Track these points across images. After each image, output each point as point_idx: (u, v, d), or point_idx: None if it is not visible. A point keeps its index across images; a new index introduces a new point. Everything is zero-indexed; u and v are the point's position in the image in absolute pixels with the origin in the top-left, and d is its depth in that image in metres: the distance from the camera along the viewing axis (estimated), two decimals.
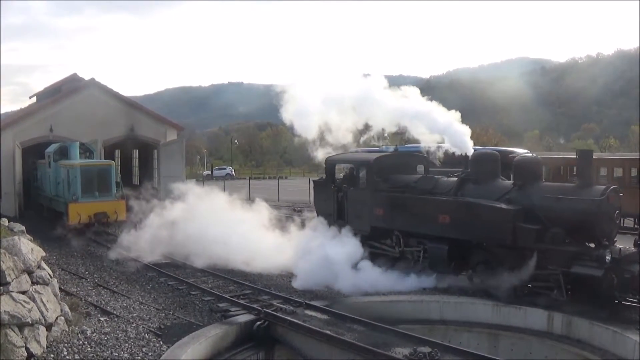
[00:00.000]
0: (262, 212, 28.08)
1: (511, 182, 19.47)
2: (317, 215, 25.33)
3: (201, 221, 26.50)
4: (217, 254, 24.74)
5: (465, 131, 21.14)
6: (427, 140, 21.93)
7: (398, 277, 20.61)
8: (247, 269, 23.91)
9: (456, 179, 20.59)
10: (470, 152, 20.79)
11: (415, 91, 22.10)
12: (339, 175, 25.50)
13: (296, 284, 21.29)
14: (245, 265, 24.18)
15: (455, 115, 21.39)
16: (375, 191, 22.37)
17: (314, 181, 26.10)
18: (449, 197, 19.96)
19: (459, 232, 19.36)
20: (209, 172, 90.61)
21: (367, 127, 22.98)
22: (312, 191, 29.67)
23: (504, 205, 18.26)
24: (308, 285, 20.88)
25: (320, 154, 24.48)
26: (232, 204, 28.43)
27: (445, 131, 21.16)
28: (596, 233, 17.13)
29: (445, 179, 21.08)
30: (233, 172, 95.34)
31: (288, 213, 36.83)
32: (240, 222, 26.40)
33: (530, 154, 24.80)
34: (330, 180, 24.68)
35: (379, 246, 22.68)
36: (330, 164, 24.80)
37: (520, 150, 36.31)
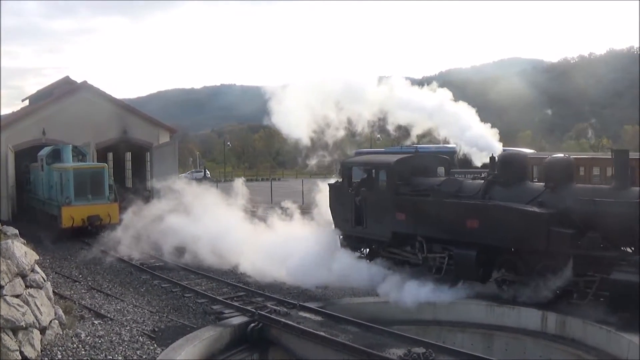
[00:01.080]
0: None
1: (541, 184, 18.62)
2: (333, 219, 23.80)
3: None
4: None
5: (489, 132, 20.64)
6: (455, 141, 21.42)
7: (436, 288, 19.19)
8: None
9: (482, 181, 19.61)
10: (497, 153, 19.91)
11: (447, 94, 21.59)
12: (355, 178, 23.97)
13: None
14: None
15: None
16: (396, 195, 21.08)
17: (329, 185, 24.46)
18: (478, 201, 18.84)
19: (489, 238, 18.23)
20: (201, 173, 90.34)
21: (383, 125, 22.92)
22: (304, 193, 29.65)
23: (537, 209, 17.29)
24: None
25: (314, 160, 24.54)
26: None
27: (468, 132, 20.59)
28: (635, 237, 16.06)
29: (470, 181, 20.11)
30: (209, 174, 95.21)
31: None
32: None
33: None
34: (347, 184, 23.28)
35: (399, 253, 21.51)
36: (347, 167, 23.75)
37: (527, 150, 36.26)
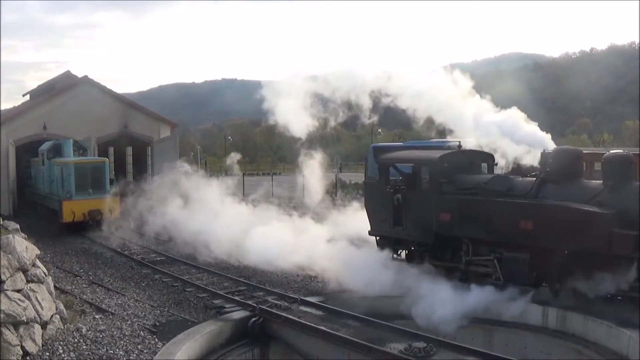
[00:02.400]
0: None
1: (598, 182, 17.39)
2: (369, 219, 22.27)
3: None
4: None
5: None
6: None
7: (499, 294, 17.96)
8: None
9: (533, 179, 18.19)
10: (549, 148, 18.66)
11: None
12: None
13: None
14: None
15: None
16: (440, 194, 19.54)
17: (365, 183, 23.54)
18: (532, 200, 17.44)
19: (544, 240, 16.92)
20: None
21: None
22: (306, 187, 29.63)
23: (598, 210, 16.05)
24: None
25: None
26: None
27: (519, 131, 19.34)
28: None
29: (520, 179, 18.64)
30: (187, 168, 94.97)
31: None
32: None
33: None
34: (384, 182, 21.64)
35: (440, 256, 20.10)
36: (385, 163, 22.08)
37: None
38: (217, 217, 27.79)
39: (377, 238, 22.21)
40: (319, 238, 24.37)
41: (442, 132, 25.57)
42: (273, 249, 23.83)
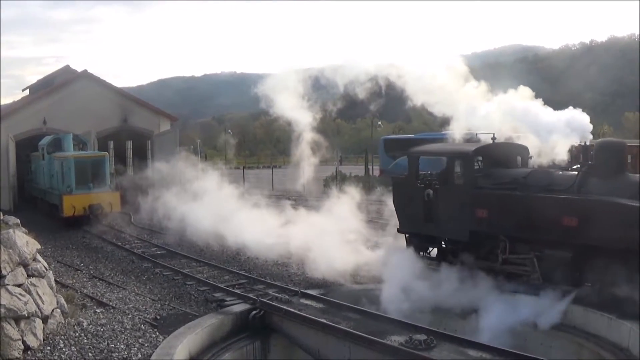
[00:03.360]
0: None
1: None
2: (398, 216, 21.47)
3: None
4: None
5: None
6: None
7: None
8: None
9: (574, 173, 17.24)
10: (590, 139, 17.83)
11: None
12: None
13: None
14: None
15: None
16: (475, 189, 18.64)
17: (393, 178, 22.33)
18: (577, 196, 16.50)
19: (589, 237, 15.96)
20: None
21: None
22: (306, 179, 29.63)
23: None
24: None
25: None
26: None
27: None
28: None
29: (561, 172, 17.64)
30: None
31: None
32: None
33: None
34: (414, 177, 20.65)
35: (475, 254, 19.04)
36: (414, 157, 20.91)
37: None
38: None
39: (407, 236, 21.47)
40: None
41: (441, 123, 25.39)
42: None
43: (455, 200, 19.16)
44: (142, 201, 33.01)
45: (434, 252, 21.03)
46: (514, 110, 19.15)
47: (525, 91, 19.70)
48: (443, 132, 26.95)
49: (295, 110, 24.08)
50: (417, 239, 21.05)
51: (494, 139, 19.89)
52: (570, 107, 18.61)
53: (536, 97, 19.48)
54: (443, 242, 20.48)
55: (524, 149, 19.63)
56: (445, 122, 22.59)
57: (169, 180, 32.97)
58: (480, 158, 19.36)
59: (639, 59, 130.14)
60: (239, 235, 25.22)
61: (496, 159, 19.35)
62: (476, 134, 23.94)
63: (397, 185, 21.93)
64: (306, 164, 28.73)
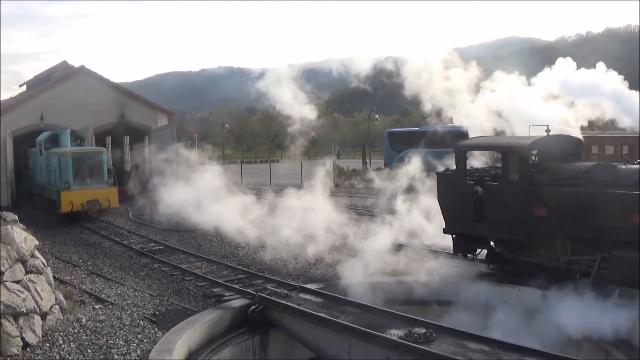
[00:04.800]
0: None
1: None
2: (444, 215, 20.16)
3: None
4: None
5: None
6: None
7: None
8: None
9: (638, 167, 16.22)
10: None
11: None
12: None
13: None
14: None
15: None
16: (532, 185, 17.25)
17: (438, 174, 20.56)
18: None
19: None
20: None
21: None
22: (303, 174, 29.66)
23: None
24: None
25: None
26: None
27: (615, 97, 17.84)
28: None
29: (624, 166, 16.53)
30: None
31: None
32: None
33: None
34: (462, 172, 19.37)
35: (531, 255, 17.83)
36: (462, 151, 19.59)
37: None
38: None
39: (454, 237, 20.09)
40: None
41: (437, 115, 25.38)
42: None
43: (510, 197, 17.85)
44: (140, 196, 33.13)
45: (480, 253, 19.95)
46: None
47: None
48: (448, 125, 26.64)
49: (294, 104, 24.10)
50: (465, 240, 19.67)
51: (548, 131, 18.35)
52: None
53: None
54: (494, 243, 19.13)
55: (578, 142, 18.85)
56: (439, 114, 22.66)
57: (167, 173, 32.97)
58: (534, 152, 17.90)
59: (638, 49, 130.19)
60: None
61: (552, 153, 17.87)
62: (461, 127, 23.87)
63: (442, 181, 20.26)
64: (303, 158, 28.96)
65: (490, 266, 19.41)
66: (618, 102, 18.32)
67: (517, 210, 17.52)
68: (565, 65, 20.07)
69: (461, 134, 25.23)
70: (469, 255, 19.77)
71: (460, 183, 19.27)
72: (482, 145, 20.66)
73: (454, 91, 21.70)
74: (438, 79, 21.77)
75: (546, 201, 16.81)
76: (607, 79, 18.77)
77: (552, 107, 19.27)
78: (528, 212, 17.16)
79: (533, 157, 17.85)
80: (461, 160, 19.46)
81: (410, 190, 24.80)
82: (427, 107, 22.45)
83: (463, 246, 19.73)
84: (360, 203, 36.18)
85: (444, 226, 20.26)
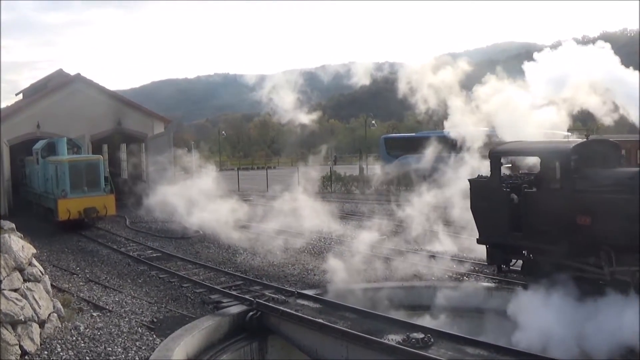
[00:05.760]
0: None
1: None
2: (477, 224, 18.97)
3: None
4: None
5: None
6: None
7: None
8: None
9: None
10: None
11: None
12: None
13: None
14: None
15: None
16: (575, 192, 15.94)
17: (470, 181, 19.28)
18: None
19: None
20: None
21: None
22: (299, 179, 29.72)
23: None
24: None
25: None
26: None
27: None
28: None
29: None
30: None
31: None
32: None
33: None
34: (498, 179, 18.10)
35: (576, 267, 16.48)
36: (497, 157, 18.20)
37: (565, 133, 34.44)
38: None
39: (488, 247, 18.91)
40: None
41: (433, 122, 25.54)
42: None
43: (550, 205, 16.58)
44: (137, 204, 33.31)
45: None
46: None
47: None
48: (444, 130, 26.39)
49: (292, 111, 24.22)
50: (500, 250, 18.48)
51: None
52: None
53: None
54: (531, 254, 17.84)
55: (616, 146, 17.59)
56: (438, 120, 22.68)
57: (163, 181, 33.20)
58: (575, 157, 16.45)
59: (639, 52, 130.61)
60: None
61: (592, 158, 16.69)
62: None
63: (476, 189, 19.01)
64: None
65: (525, 277, 18.00)
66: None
67: (558, 218, 16.29)
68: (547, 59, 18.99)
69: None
70: (503, 266, 18.78)
71: (495, 190, 18.07)
72: (518, 151, 19.32)
73: (443, 90, 21.73)
74: (430, 79, 21.81)
75: (590, 209, 15.58)
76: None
77: (543, 112, 18.90)
78: (570, 220, 15.95)
79: (578, 162, 16.42)
80: (496, 166, 18.16)
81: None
82: (421, 108, 22.45)
83: (498, 257, 18.59)
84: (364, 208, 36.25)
85: (477, 236, 19.14)
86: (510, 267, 18.68)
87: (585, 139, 17.00)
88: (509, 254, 18.48)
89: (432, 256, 22.51)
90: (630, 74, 16.60)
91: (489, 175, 18.54)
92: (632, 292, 14.98)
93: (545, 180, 17.15)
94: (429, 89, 22.19)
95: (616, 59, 17.14)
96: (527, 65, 19.07)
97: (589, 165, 16.38)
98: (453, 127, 22.82)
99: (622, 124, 19.69)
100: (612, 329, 14.28)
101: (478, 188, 18.87)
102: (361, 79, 24.02)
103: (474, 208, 19.08)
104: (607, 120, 17.47)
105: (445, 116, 22.78)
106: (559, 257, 16.53)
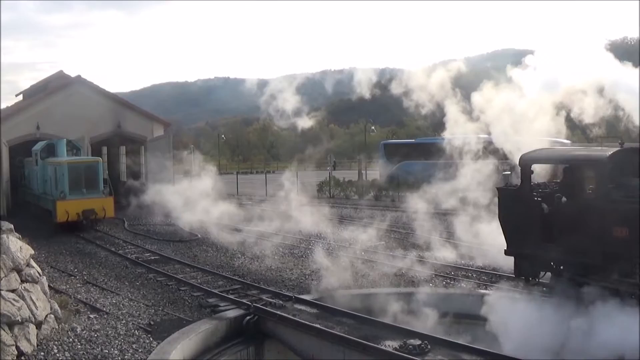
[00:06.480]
0: None
1: None
2: (506, 234, 17.74)
3: None
4: None
5: None
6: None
7: None
8: None
9: None
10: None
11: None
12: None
13: None
14: None
15: None
16: (610, 202, 15.07)
17: (499, 189, 18.23)
18: None
19: None
20: None
21: None
22: (300, 184, 29.77)
23: None
24: None
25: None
26: None
27: None
28: None
29: None
30: None
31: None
32: None
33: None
34: (528, 187, 17.04)
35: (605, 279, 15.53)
36: (527, 164, 17.08)
37: (565, 141, 34.00)
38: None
39: (515, 259, 17.85)
40: None
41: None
42: None
43: (585, 216, 15.60)
44: (135, 206, 33.41)
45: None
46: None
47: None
48: (442, 136, 26.17)
49: (292, 115, 24.30)
50: (529, 262, 17.41)
51: (622, 143, 16.51)
52: None
53: None
54: (562, 267, 16.83)
55: None
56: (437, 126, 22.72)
57: (163, 183, 33.31)
58: (611, 166, 15.55)
59: (639, 60, 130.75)
60: None
61: (626, 167, 15.81)
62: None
63: (505, 198, 17.84)
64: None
65: (553, 290, 16.87)
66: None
67: (593, 230, 15.29)
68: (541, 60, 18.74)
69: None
70: (530, 279, 17.52)
71: (526, 200, 16.98)
72: (550, 158, 18.25)
73: (438, 93, 21.78)
74: (425, 81, 21.87)
75: (626, 220, 14.73)
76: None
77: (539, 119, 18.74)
78: (606, 232, 15.07)
79: (613, 171, 15.56)
80: (526, 174, 17.02)
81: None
82: (420, 111, 22.47)
83: (527, 269, 17.45)
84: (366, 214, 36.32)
85: (505, 247, 17.94)
86: (539, 280, 17.49)
87: (620, 147, 16.09)
88: (539, 266, 17.36)
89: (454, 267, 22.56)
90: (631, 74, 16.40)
91: (518, 184, 17.52)
92: None
93: (579, 190, 16.34)
94: (423, 91, 22.22)
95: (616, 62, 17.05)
96: (515, 71, 19.00)
97: (624, 174, 15.65)
98: (452, 134, 22.90)
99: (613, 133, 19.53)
100: None
101: (507, 197, 17.73)
102: (364, 90, 24.07)
103: (502, 218, 17.89)
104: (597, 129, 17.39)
105: (442, 123, 22.84)
106: (593, 271, 15.70)
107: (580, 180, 16.30)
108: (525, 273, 17.49)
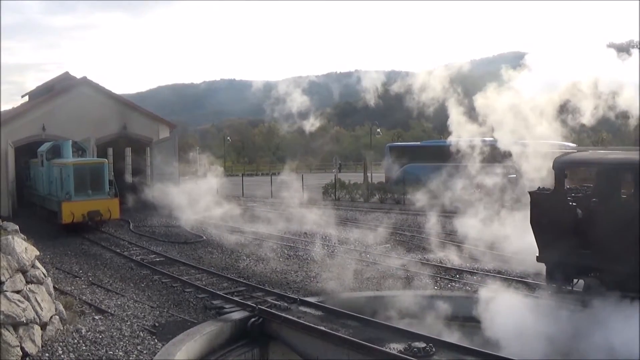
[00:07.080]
0: None
1: None
2: (538, 240, 17.41)
3: None
4: None
5: None
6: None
7: None
8: None
9: None
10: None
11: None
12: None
13: None
14: None
15: None
16: None
17: (532, 194, 17.64)
18: None
19: None
20: None
21: None
22: (305, 187, 29.79)
23: None
24: None
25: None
26: None
27: None
28: None
29: None
30: None
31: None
32: None
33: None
34: (562, 193, 16.69)
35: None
36: (561, 168, 16.82)
37: (570, 144, 34.34)
38: None
39: (548, 266, 17.55)
40: None
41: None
42: None
43: (623, 221, 15.26)
44: (141, 208, 33.46)
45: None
46: None
47: None
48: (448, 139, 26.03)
49: (298, 117, 24.32)
50: (562, 269, 17.04)
51: None
52: None
53: None
54: (599, 273, 16.50)
55: None
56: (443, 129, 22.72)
57: (168, 185, 33.38)
58: None
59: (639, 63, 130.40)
60: None
61: None
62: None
63: (538, 203, 17.35)
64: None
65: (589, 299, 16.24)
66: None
67: (632, 236, 15.00)
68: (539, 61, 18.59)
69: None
70: (563, 286, 17.20)
71: (560, 204, 16.65)
72: (585, 162, 18.12)
73: (441, 92, 21.79)
74: (428, 81, 21.89)
75: None
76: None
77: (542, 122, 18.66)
78: None
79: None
80: (560, 178, 16.73)
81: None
82: (423, 112, 22.47)
83: (561, 276, 17.12)
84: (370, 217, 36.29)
85: (537, 254, 17.67)
86: (573, 287, 17.18)
87: None
88: (572, 274, 17.03)
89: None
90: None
91: (552, 188, 17.26)
92: None
93: (615, 194, 15.99)
94: (425, 91, 22.24)
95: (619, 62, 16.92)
96: (512, 73, 18.98)
97: None
98: (457, 137, 22.88)
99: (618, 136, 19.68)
100: None
101: (540, 202, 17.26)
102: (372, 97, 24.10)
103: (534, 223, 17.47)
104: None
105: (446, 126, 22.87)
106: (631, 278, 15.21)
107: (617, 184, 15.96)
108: (559, 280, 17.15)
